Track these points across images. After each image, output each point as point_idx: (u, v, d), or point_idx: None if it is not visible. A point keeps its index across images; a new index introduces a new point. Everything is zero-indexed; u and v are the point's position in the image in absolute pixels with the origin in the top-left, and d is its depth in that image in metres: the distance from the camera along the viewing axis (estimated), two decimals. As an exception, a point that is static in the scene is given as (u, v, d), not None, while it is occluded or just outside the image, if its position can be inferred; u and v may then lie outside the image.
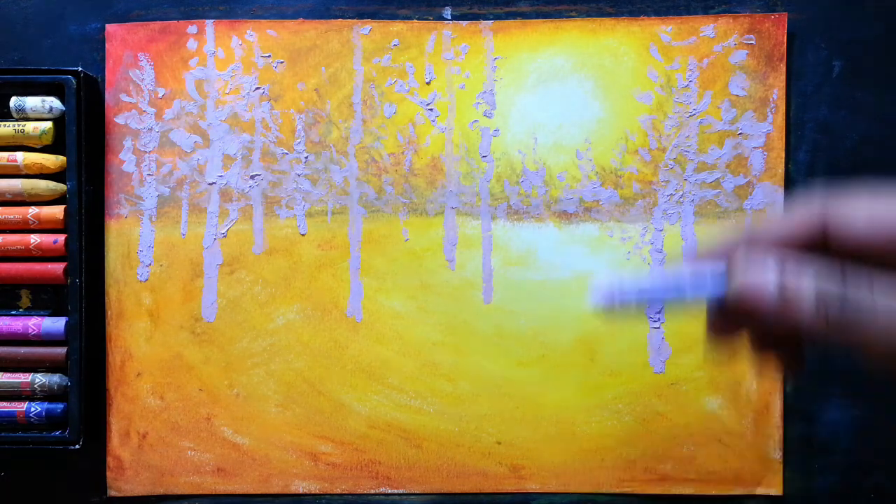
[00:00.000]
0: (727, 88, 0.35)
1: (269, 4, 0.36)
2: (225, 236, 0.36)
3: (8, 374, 0.35)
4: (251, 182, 0.36)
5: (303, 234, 0.36)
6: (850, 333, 0.17)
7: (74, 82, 0.34)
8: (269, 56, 0.36)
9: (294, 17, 0.36)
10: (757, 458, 0.35)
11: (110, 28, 0.36)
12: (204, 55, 0.36)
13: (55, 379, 0.35)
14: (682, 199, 0.36)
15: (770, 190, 0.36)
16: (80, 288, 0.35)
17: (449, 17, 0.36)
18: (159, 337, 0.36)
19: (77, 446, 0.34)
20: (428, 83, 0.36)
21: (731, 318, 0.20)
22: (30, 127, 0.34)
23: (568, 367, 0.36)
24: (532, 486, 0.36)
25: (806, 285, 0.17)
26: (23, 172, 0.35)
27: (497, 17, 0.36)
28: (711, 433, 0.36)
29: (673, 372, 0.36)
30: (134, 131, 0.36)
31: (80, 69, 0.35)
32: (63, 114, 0.35)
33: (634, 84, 0.36)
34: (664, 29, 0.35)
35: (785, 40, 0.35)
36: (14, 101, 0.35)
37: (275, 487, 0.36)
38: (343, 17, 0.36)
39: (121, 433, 0.36)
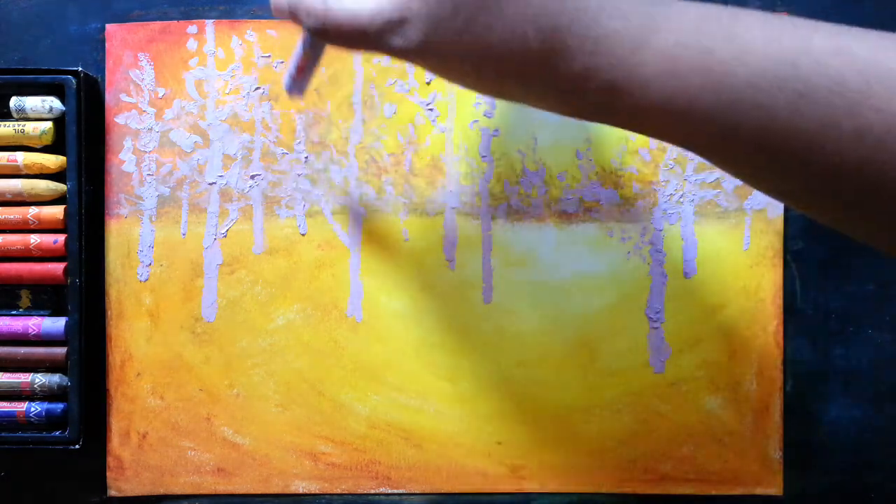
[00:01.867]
0: (727, 88, 0.35)
1: (269, 4, 0.36)
2: (225, 236, 0.36)
3: (8, 374, 0.35)
4: (251, 182, 0.36)
5: (303, 234, 0.36)
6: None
7: (74, 82, 0.34)
8: (269, 56, 0.36)
9: (294, 17, 0.36)
10: (757, 458, 0.36)
11: (110, 28, 0.36)
12: (204, 55, 0.36)
13: (55, 379, 0.35)
14: (682, 199, 0.36)
15: (770, 190, 0.36)
16: (80, 288, 0.35)
17: (449, 17, 0.36)
18: (159, 337, 0.36)
19: (77, 446, 0.34)
20: (428, 83, 0.36)
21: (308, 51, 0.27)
22: (30, 127, 0.34)
23: (568, 367, 0.36)
24: (532, 486, 0.36)
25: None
26: (23, 172, 0.35)
27: (497, 17, 0.36)
28: (711, 433, 0.36)
29: (673, 372, 0.36)
30: (134, 131, 0.36)
31: (80, 69, 0.35)
32: (63, 114, 0.35)
33: (634, 84, 0.36)
34: (664, 29, 0.35)
35: (785, 40, 0.35)
36: (14, 101, 0.35)
37: (275, 487, 0.36)
38: (343, 17, 0.36)
39: (121, 433, 0.36)
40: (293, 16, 0.25)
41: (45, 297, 0.36)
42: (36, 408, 0.34)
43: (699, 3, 0.21)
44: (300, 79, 0.28)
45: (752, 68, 0.19)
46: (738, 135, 0.20)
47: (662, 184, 0.36)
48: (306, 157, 0.36)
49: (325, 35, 0.24)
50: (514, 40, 0.21)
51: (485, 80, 0.22)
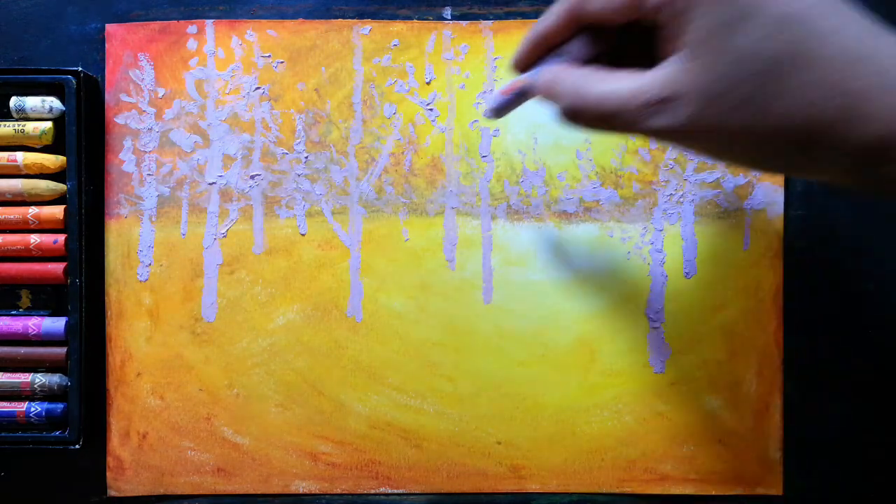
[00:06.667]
0: (727, 88, 0.35)
1: (269, 4, 0.36)
2: (225, 236, 0.36)
3: (8, 374, 0.35)
4: (251, 182, 0.36)
5: (303, 234, 0.36)
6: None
7: (74, 82, 0.34)
8: (269, 56, 0.36)
9: (294, 17, 0.36)
10: (757, 458, 0.35)
11: (110, 28, 0.36)
12: (204, 55, 0.36)
13: (55, 379, 0.35)
14: (682, 199, 0.36)
15: (770, 190, 0.36)
16: (80, 288, 0.35)
17: (449, 17, 0.36)
18: (159, 337, 0.36)
19: (77, 446, 0.34)
20: (428, 83, 0.36)
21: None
22: (30, 127, 0.34)
23: (568, 367, 0.36)
24: (532, 486, 0.36)
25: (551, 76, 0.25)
26: (23, 172, 0.35)
27: (497, 17, 0.36)
28: (711, 433, 0.36)
29: (673, 372, 0.36)
30: (134, 131, 0.36)
31: (80, 69, 0.35)
32: (63, 114, 0.35)
33: (634, 84, 0.36)
34: (664, 29, 0.35)
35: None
36: (14, 101, 0.35)
37: (275, 487, 0.36)
38: (343, 17, 0.36)
39: (121, 433, 0.36)
40: (547, 97, 0.25)
41: (45, 297, 0.36)
42: (36, 408, 0.34)
43: None
44: (503, 112, 0.30)
45: None
46: None
47: (662, 184, 0.36)
48: (306, 157, 0.36)
49: (576, 118, 0.23)
50: (804, 110, 0.19)
51: (761, 154, 0.20)
